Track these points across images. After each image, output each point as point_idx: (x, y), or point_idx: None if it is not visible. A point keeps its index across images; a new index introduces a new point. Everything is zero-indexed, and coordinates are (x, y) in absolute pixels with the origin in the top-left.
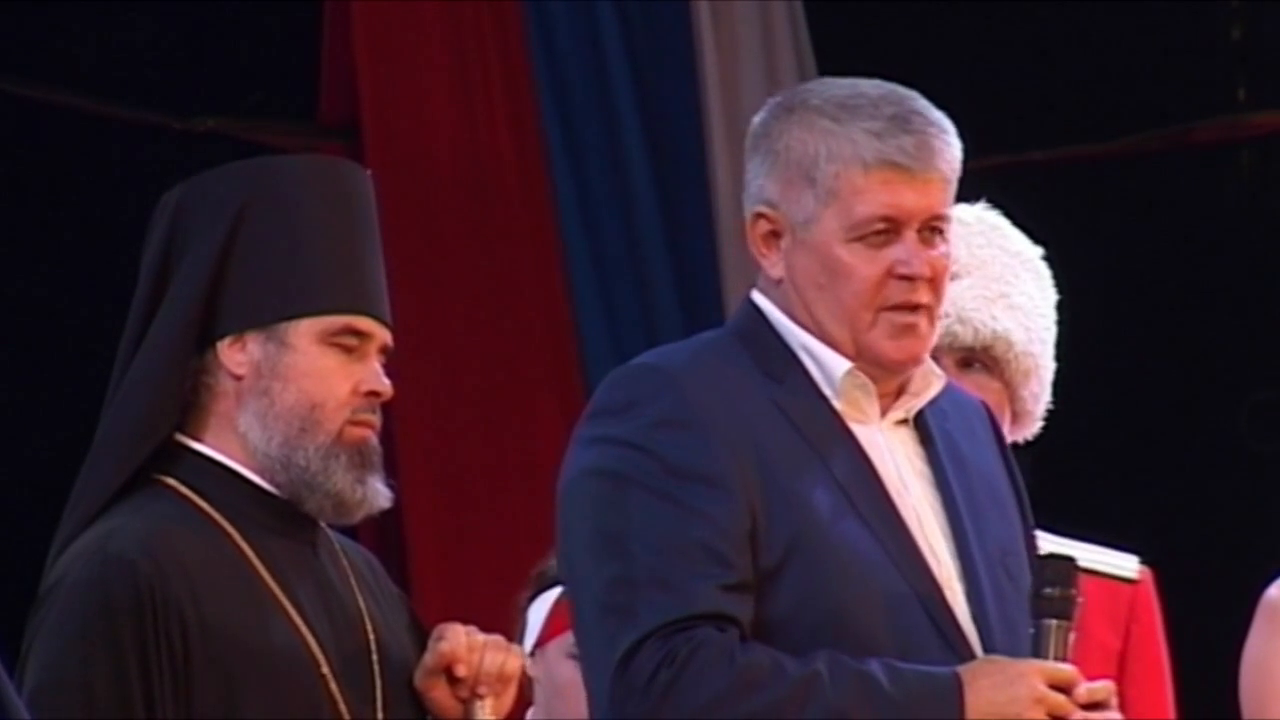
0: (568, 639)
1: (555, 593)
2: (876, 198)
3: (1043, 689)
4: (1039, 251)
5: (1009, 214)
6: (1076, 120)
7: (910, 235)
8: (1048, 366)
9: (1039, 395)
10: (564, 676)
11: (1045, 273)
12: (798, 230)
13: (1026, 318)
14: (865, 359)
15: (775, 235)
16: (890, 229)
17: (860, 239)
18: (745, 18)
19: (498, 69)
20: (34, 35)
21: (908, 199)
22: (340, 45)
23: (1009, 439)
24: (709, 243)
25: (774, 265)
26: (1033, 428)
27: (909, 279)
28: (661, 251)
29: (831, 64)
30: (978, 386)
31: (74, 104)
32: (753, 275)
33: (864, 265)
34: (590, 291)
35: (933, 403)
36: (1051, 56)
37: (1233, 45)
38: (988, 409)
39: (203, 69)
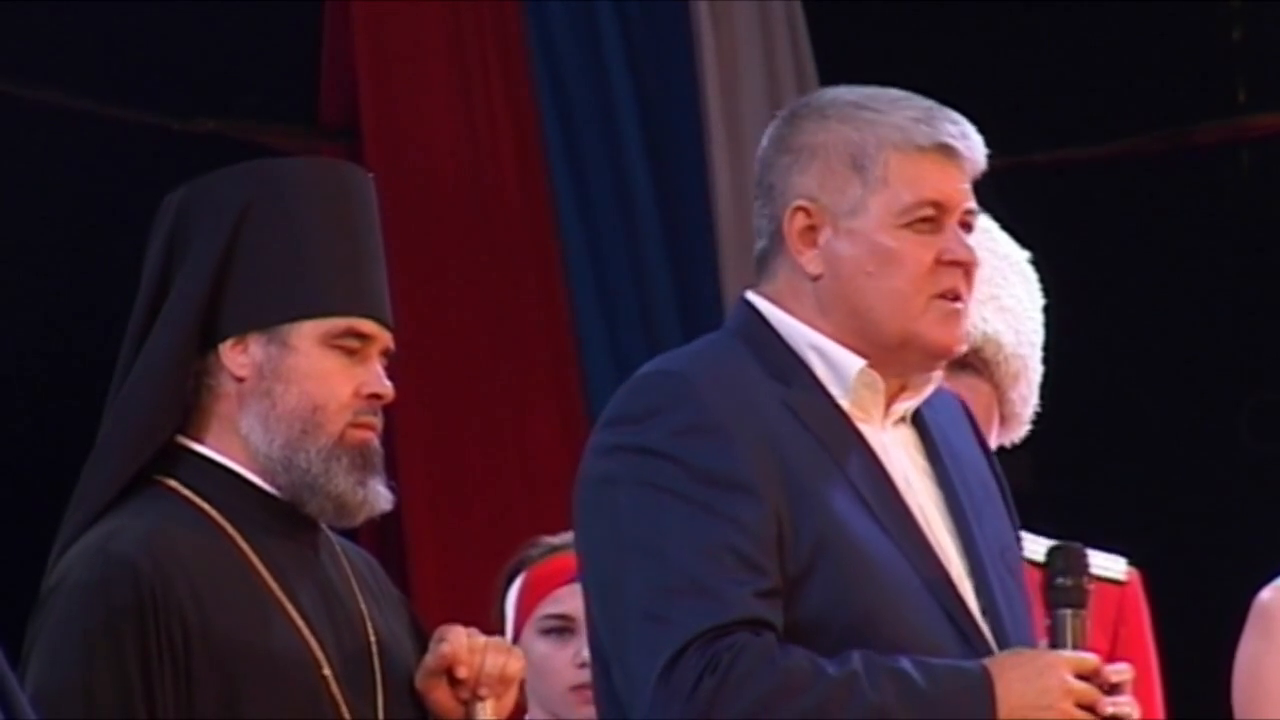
0: (535, 618)
1: (518, 582)
2: (927, 182)
3: (1071, 680)
4: (1026, 255)
5: (1010, 216)
6: (1076, 121)
7: (953, 225)
8: (1036, 369)
9: (1027, 398)
10: (538, 653)
11: (1033, 276)
12: (841, 221)
13: (1016, 320)
14: (913, 346)
15: (812, 230)
16: (936, 216)
17: (908, 225)
18: (745, 18)
19: (498, 70)
20: (33, 35)
21: (954, 185)
22: (340, 46)
23: (997, 442)
24: (709, 243)
25: (811, 261)
26: (1021, 430)
27: (957, 265)
28: (661, 252)
29: (831, 64)
30: (968, 388)
31: (74, 104)
32: (751, 277)
33: (916, 250)
34: (589, 293)
35: (926, 400)
36: (1052, 57)
37: (1233, 46)
38: (962, 402)
39: (203, 70)
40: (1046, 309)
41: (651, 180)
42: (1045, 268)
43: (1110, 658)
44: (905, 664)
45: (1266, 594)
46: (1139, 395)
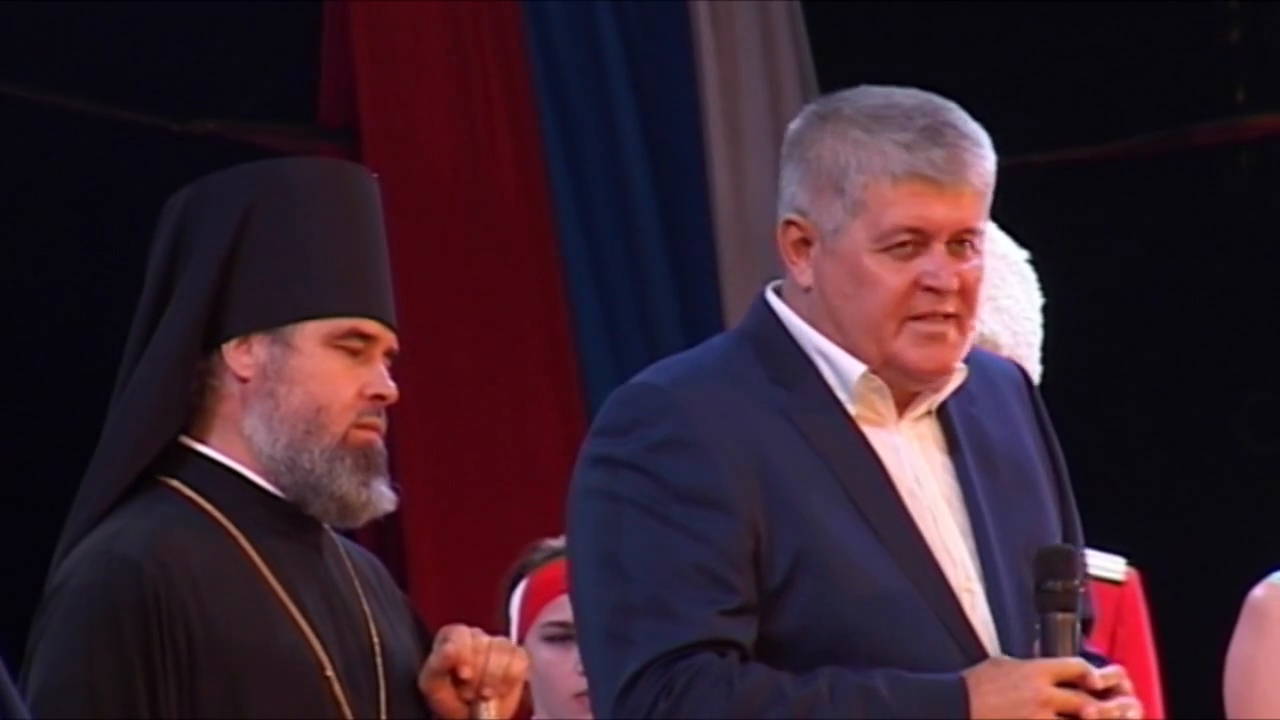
0: (539, 625)
1: (521, 587)
2: (904, 209)
3: (1049, 689)
4: (1025, 255)
5: (1009, 216)
6: (1076, 122)
7: (938, 247)
8: (1034, 370)
9: None
10: (542, 660)
11: (1031, 276)
12: (827, 239)
13: (1013, 321)
14: (893, 368)
15: (805, 243)
16: (918, 240)
17: (887, 250)
18: (745, 18)
19: (497, 70)
20: (34, 35)
21: (936, 211)
22: (339, 47)
23: None
24: (708, 243)
25: (803, 273)
26: None
27: (935, 291)
28: (660, 252)
29: (831, 65)
30: None
31: (74, 105)
32: (751, 278)
33: (890, 276)
34: (588, 294)
35: (959, 389)
36: (1051, 57)
37: (1232, 47)
38: (1024, 374)
39: (202, 71)
40: (1044, 309)
41: (651, 180)
42: (1043, 268)
43: (1109, 659)
44: (877, 679)
45: (1259, 591)
46: (1138, 395)
